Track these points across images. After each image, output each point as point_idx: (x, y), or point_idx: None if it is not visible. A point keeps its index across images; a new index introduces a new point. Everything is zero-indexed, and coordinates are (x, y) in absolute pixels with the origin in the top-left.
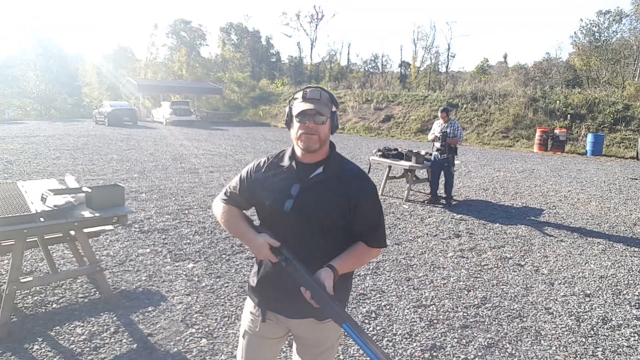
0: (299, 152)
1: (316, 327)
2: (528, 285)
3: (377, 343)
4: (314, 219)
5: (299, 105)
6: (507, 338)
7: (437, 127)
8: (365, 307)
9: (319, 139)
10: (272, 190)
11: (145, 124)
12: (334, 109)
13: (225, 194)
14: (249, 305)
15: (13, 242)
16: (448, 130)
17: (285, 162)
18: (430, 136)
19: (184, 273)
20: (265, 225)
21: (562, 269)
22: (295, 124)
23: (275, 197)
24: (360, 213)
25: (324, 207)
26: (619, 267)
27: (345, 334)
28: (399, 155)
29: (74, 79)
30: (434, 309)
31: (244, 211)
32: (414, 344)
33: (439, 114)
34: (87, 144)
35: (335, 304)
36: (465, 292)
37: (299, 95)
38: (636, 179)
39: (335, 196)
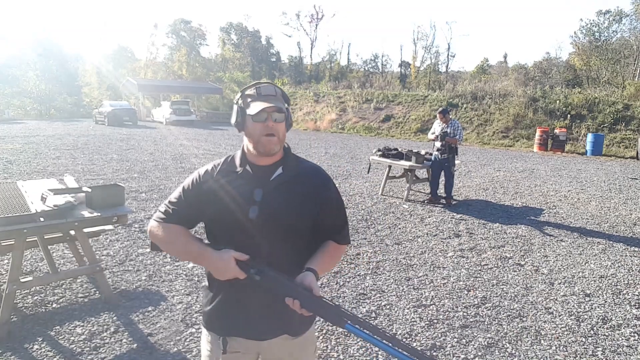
0: (253, 155)
1: (291, 343)
2: (528, 285)
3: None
4: (283, 223)
5: (255, 104)
6: (507, 338)
7: (437, 127)
8: (365, 307)
9: (278, 139)
10: (231, 198)
11: (145, 124)
12: (286, 105)
13: (164, 213)
14: (206, 339)
15: (13, 242)
16: (448, 130)
17: (238, 166)
18: (430, 135)
19: (184, 273)
20: (221, 240)
21: (562, 269)
22: (252, 125)
23: (236, 206)
24: (327, 211)
25: (293, 209)
26: (619, 266)
27: (348, 334)
28: (399, 155)
29: (74, 78)
30: (434, 308)
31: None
32: (414, 344)
33: (437, 115)
34: (87, 143)
35: (332, 304)
36: (465, 292)
37: (252, 92)
38: (636, 178)
39: (301, 196)
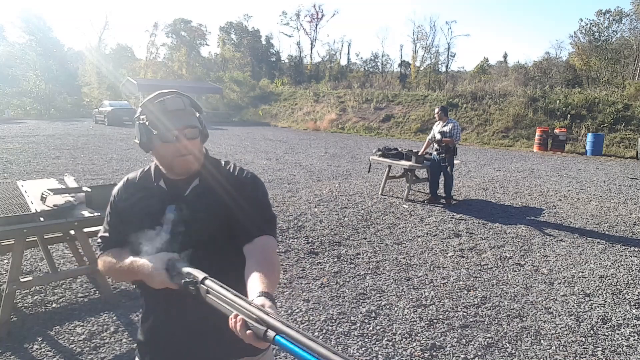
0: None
1: None
2: (528, 285)
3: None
4: (199, 240)
5: (162, 123)
6: (507, 338)
7: (436, 129)
8: (365, 307)
9: (195, 157)
10: (142, 217)
11: None
12: (197, 114)
13: (99, 248)
14: None
15: (13, 242)
16: (445, 129)
17: (152, 181)
18: (429, 139)
19: None
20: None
21: (562, 269)
22: (162, 147)
23: (147, 225)
24: (251, 206)
25: (210, 223)
26: (618, 266)
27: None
28: (399, 155)
29: (74, 78)
30: (434, 308)
31: None
32: (414, 344)
33: (437, 112)
34: (87, 143)
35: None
36: (465, 292)
37: (156, 108)
38: (636, 178)
39: (219, 206)
